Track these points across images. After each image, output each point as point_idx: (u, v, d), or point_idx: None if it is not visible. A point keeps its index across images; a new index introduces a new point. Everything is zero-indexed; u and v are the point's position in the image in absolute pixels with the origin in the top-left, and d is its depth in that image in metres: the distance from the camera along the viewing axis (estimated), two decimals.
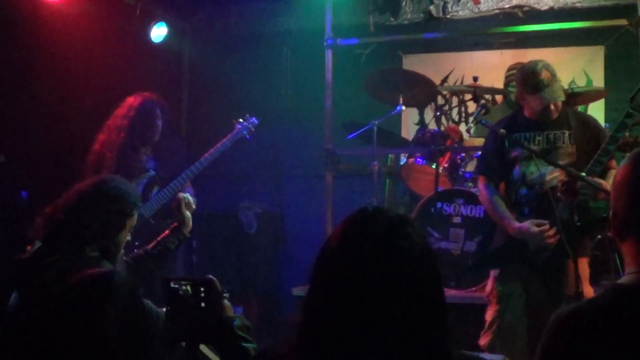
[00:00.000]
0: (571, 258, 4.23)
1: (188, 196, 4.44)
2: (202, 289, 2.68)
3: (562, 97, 4.68)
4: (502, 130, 4.64)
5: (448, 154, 6.56)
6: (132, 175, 5.39)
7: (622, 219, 2.05)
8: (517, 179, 4.72)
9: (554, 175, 4.59)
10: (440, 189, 6.15)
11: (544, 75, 4.59)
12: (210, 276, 2.72)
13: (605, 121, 6.93)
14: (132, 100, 5.59)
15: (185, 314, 2.71)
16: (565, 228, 4.27)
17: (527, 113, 4.78)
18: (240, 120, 5.84)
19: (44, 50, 7.14)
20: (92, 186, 3.63)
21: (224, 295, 2.72)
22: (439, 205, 6.13)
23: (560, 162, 4.47)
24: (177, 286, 2.72)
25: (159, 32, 7.52)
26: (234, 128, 5.78)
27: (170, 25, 7.65)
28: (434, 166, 6.36)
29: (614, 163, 4.56)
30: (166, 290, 2.75)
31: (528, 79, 4.64)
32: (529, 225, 4.50)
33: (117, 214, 3.59)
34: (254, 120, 5.83)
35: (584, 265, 4.46)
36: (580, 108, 6.81)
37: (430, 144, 6.54)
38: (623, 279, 2.02)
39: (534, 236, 4.46)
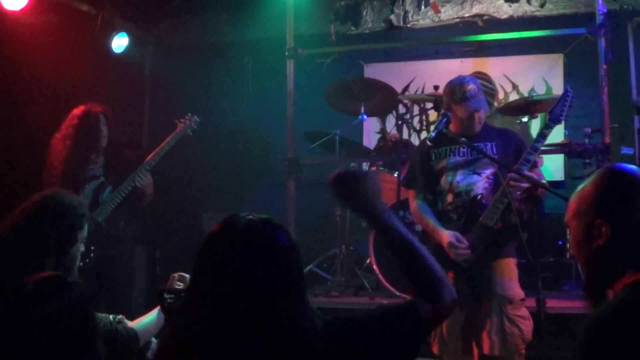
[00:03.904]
0: (497, 260, 4.63)
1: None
2: None
3: (484, 108, 4.90)
4: (462, 139, 4.78)
5: (409, 163, 6.59)
6: (80, 183, 5.49)
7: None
8: (444, 188, 4.88)
9: (478, 184, 4.78)
10: (402, 197, 6.17)
11: (471, 87, 4.82)
12: None
13: (565, 129, 6.99)
14: (75, 111, 5.66)
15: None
16: (489, 233, 4.59)
17: (453, 127, 4.94)
18: (182, 119, 5.91)
19: (3, 59, 7.08)
20: (37, 205, 3.58)
21: None
22: (400, 213, 6.15)
23: (486, 171, 4.79)
24: (172, 296, 2.84)
25: (120, 43, 7.48)
26: (176, 127, 5.86)
27: (131, 35, 7.62)
28: (395, 174, 6.38)
29: (536, 171, 4.81)
30: (160, 300, 2.86)
31: (456, 90, 4.86)
32: (448, 237, 4.66)
33: (68, 229, 3.56)
34: (196, 118, 5.94)
35: (511, 266, 4.69)
36: (540, 116, 6.89)
37: (392, 152, 6.57)
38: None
39: (447, 246, 4.64)
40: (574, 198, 2.31)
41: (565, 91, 4.88)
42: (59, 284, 2.51)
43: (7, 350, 2.41)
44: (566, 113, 4.77)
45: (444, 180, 4.88)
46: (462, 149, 4.88)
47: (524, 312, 4.60)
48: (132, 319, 3.69)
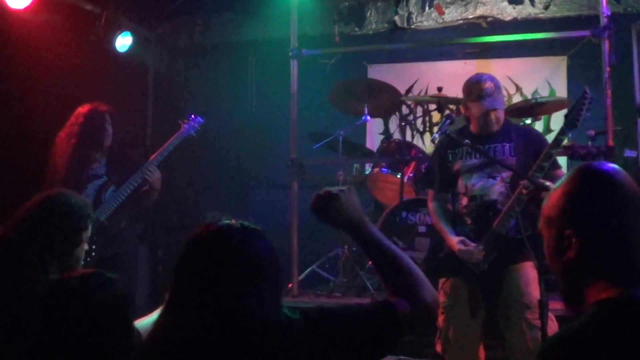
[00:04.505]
0: (514, 265, 4.52)
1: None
2: None
3: (500, 107, 4.80)
4: (466, 141, 4.74)
5: (413, 164, 6.59)
6: (83, 181, 5.49)
7: None
8: (460, 190, 4.83)
9: (494, 189, 4.70)
10: (405, 198, 6.18)
11: (487, 85, 4.75)
12: None
13: None
14: (80, 109, 5.67)
15: None
16: (501, 241, 4.52)
17: (472, 127, 4.90)
18: (186, 120, 5.92)
19: (8, 58, 7.08)
20: (41, 206, 3.59)
21: None
22: (404, 214, 6.16)
23: (502, 174, 4.66)
24: None
25: (123, 42, 7.48)
26: (180, 128, 5.87)
27: (135, 34, 7.62)
28: (398, 176, 6.39)
29: (559, 172, 4.69)
30: None
31: (472, 88, 4.82)
32: (457, 242, 4.63)
33: (72, 230, 3.57)
34: (200, 119, 5.93)
35: (528, 269, 4.54)
36: (543, 118, 6.89)
37: (395, 153, 6.57)
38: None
39: (458, 253, 4.61)
40: (545, 202, 2.09)
41: (583, 93, 4.57)
42: (101, 279, 2.58)
43: (56, 344, 2.47)
44: (583, 117, 4.50)
45: (460, 183, 4.82)
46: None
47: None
48: (134, 318, 3.70)
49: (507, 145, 4.76)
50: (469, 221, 4.75)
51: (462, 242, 4.62)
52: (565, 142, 4.63)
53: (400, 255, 2.43)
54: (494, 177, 4.69)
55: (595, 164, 2.08)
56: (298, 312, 2.24)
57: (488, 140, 4.78)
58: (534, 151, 4.61)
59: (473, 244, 4.59)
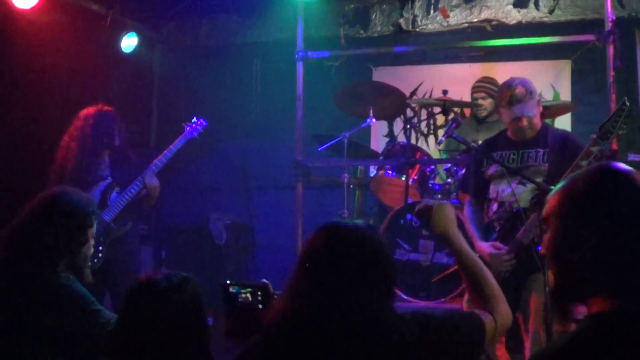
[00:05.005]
0: (534, 274, 4.43)
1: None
2: (259, 293, 3.02)
3: (531, 113, 4.71)
4: (472, 144, 4.75)
5: (417, 166, 6.60)
6: (89, 182, 5.54)
7: None
8: (491, 196, 4.81)
9: (523, 196, 4.61)
10: (409, 200, 6.19)
11: (518, 90, 4.68)
12: (265, 280, 3.07)
13: None
14: (87, 110, 5.71)
15: (245, 315, 3.03)
16: (524, 250, 4.46)
17: (509, 132, 4.88)
18: (189, 122, 5.98)
19: (14, 58, 7.10)
20: (46, 205, 3.59)
21: (275, 297, 3.02)
22: (408, 217, 6.16)
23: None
24: (235, 290, 3.06)
25: (129, 42, 7.51)
26: (183, 130, 5.92)
27: (140, 35, 7.65)
28: (403, 178, 6.40)
29: None
30: (225, 293, 3.08)
31: (503, 93, 4.78)
32: (487, 247, 4.61)
33: (78, 229, 3.57)
34: (203, 121, 6.00)
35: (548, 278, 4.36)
36: (548, 121, 6.90)
37: (400, 156, 6.57)
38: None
39: (489, 258, 4.54)
40: (561, 191, 1.96)
41: (621, 104, 4.29)
42: (181, 278, 2.70)
43: (143, 342, 2.58)
44: (618, 128, 4.23)
45: (492, 188, 4.80)
46: (512, 156, 4.75)
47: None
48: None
49: (542, 151, 4.70)
50: (497, 227, 4.71)
51: (492, 246, 4.58)
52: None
53: (484, 270, 2.75)
54: (523, 184, 4.60)
55: (617, 165, 1.93)
56: (409, 313, 2.45)
57: (523, 146, 4.76)
58: (570, 158, 4.42)
59: (505, 248, 4.52)
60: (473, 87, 6.93)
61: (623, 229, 1.82)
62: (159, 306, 2.57)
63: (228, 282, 3.04)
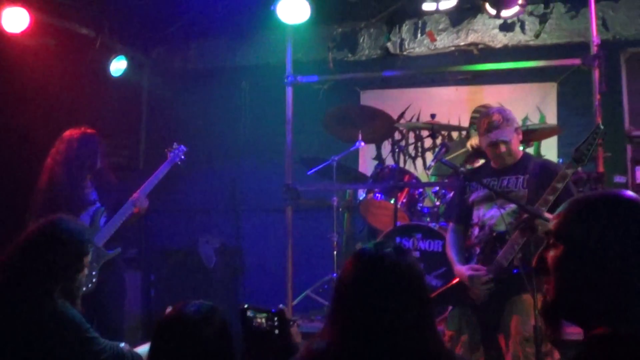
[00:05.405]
0: (514, 297, 4.46)
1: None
2: (275, 318, 2.99)
3: (507, 138, 4.73)
4: (461, 169, 4.83)
5: (406, 190, 6.64)
6: (79, 207, 5.51)
7: None
8: (474, 221, 4.86)
9: (503, 218, 4.60)
10: (398, 223, 6.22)
11: (495, 117, 4.75)
12: (282, 306, 3.04)
13: (558, 157, 7.08)
14: (70, 133, 5.69)
15: (260, 340, 3.01)
16: (504, 272, 4.45)
17: (492, 161, 4.95)
18: (171, 148, 6.03)
19: (4, 82, 7.09)
20: (41, 232, 3.60)
21: (292, 323, 3.04)
22: (397, 239, 6.19)
23: (511, 205, 4.59)
24: (252, 315, 3.02)
25: (118, 66, 7.51)
26: (167, 157, 5.97)
27: (129, 59, 7.65)
28: (392, 201, 6.43)
29: None
30: (243, 318, 3.03)
31: (481, 121, 4.86)
32: (465, 269, 4.64)
33: (74, 256, 3.58)
34: (183, 147, 6.04)
35: (530, 301, 4.39)
36: (534, 144, 6.95)
37: (389, 179, 6.60)
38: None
39: (468, 280, 4.58)
40: (571, 209, 1.95)
41: (595, 128, 4.44)
42: (209, 308, 2.80)
43: None
44: (592, 152, 4.34)
45: (475, 214, 4.85)
46: (492, 183, 4.78)
47: (548, 348, 4.29)
48: (125, 342, 3.75)
49: (522, 177, 4.74)
50: (478, 251, 4.74)
51: (471, 268, 4.61)
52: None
53: None
54: (503, 208, 4.63)
55: (624, 193, 1.94)
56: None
57: (503, 172, 4.82)
58: (549, 184, 4.43)
59: (483, 269, 4.54)
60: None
61: (630, 256, 1.81)
62: (190, 339, 2.62)
63: (246, 306, 3.04)
